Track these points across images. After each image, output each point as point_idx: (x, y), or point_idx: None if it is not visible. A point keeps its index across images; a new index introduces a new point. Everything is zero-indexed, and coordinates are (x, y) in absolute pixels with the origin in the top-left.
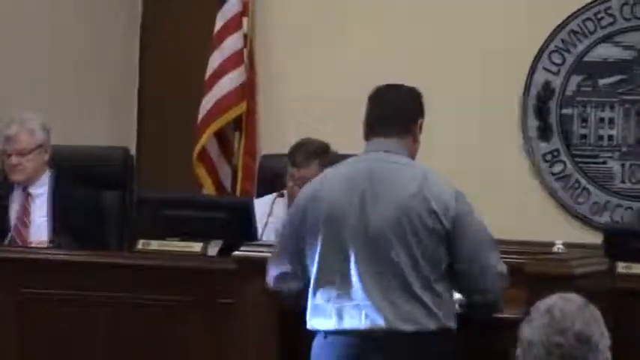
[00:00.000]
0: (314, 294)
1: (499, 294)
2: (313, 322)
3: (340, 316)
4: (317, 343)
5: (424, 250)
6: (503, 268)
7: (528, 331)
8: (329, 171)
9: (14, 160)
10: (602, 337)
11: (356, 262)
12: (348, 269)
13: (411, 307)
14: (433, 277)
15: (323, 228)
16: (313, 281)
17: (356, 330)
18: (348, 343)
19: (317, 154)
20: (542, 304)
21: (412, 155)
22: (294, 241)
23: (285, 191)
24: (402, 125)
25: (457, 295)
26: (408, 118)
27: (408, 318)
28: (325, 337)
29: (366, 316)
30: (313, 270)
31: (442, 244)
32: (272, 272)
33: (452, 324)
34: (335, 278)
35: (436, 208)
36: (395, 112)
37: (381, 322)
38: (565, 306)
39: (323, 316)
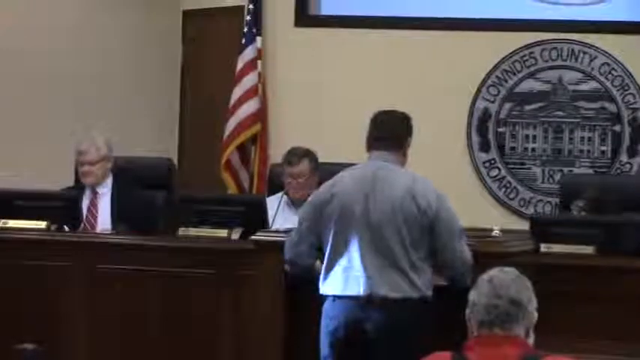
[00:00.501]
0: (327, 268)
1: (464, 270)
2: (325, 289)
3: (345, 284)
4: (327, 304)
5: (411, 237)
6: (467, 251)
7: (474, 295)
8: (342, 174)
9: (86, 168)
10: (530, 302)
11: (359, 245)
12: (354, 250)
13: (400, 280)
14: (417, 258)
15: (336, 219)
16: (327, 258)
17: (357, 296)
18: (350, 305)
19: (306, 154)
20: (486, 275)
21: (402, 165)
22: (313, 229)
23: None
24: (396, 143)
25: None
26: (400, 138)
27: (397, 288)
28: (334, 300)
29: (365, 285)
30: (327, 250)
31: (425, 232)
32: (292, 250)
33: (429, 293)
34: (343, 257)
35: (422, 205)
36: (390, 134)
37: (375, 291)
38: (502, 277)
39: (333, 284)
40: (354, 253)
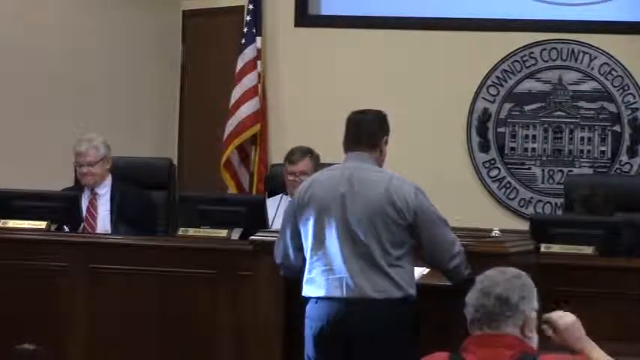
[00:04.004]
0: (308, 270)
1: (456, 261)
2: (307, 291)
3: (328, 286)
4: (310, 306)
5: (390, 236)
6: (453, 239)
7: (468, 296)
8: (317, 175)
9: (85, 169)
10: (523, 300)
11: (339, 246)
12: (333, 251)
13: (382, 281)
14: (398, 256)
15: (314, 220)
16: (308, 260)
17: (338, 297)
18: (333, 306)
19: (308, 152)
20: (482, 275)
21: (380, 164)
22: (293, 230)
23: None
24: (370, 144)
25: (419, 269)
26: (374, 138)
27: (380, 289)
28: (316, 302)
29: (347, 286)
30: (307, 252)
31: (405, 231)
32: (280, 254)
33: (413, 291)
34: (323, 258)
35: (399, 204)
36: (364, 134)
37: (357, 292)
38: (494, 276)
39: (314, 286)
40: (334, 254)
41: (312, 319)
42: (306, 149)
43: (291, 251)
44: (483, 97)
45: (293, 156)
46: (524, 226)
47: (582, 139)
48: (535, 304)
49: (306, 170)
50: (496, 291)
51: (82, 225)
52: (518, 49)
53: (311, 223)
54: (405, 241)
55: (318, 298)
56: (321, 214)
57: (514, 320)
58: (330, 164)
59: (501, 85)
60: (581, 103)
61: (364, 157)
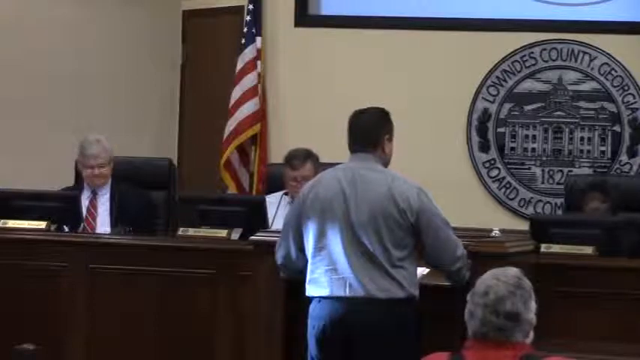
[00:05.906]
0: (311, 270)
1: (460, 265)
2: (310, 291)
3: (331, 286)
4: (313, 306)
5: (392, 238)
6: (456, 243)
7: (471, 305)
8: (321, 175)
9: (97, 171)
10: (528, 309)
11: (342, 245)
12: (337, 251)
13: (385, 281)
14: (400, 257)
15: (317, 220)
16: (310, 260)
17: (342, 297)
18: (336, 305)
19: (308, 155)
20: (483, 283)
21: (384, 162)
22: (296, 230)
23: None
24: (372, 143)
25: (420, 269)
26: (375, 137)
27: (383, 289)
28: (319, 302)
29: (350, 286)
30: (310, 252)
31: (408, 232)
32: (279, 253)
33: (416, 292)
34: (327, 258)
35: (402, 205)
36: (365, 134)
37: (361, 292)
38: (499, 289)
39: (317, 285)
40: (337, 254)
41: (315, 319)
42: (305, 152)
43: (293, 252)
44: (483, 97)
45: (294, 161)
46: (524, 226)
47: (582, 139)
48: (534, 304)
49: (309, 174)
50: (505, 308)
51: (81, 225)
52: (518, 49)
53: (314, 223)
54: (407, 241)
55: (321, 298)
56: (325, 214)
57: (521, 329)
58: (329, 164)
59: (501, 85)
60: (581, 103)
61: (366, 158)
